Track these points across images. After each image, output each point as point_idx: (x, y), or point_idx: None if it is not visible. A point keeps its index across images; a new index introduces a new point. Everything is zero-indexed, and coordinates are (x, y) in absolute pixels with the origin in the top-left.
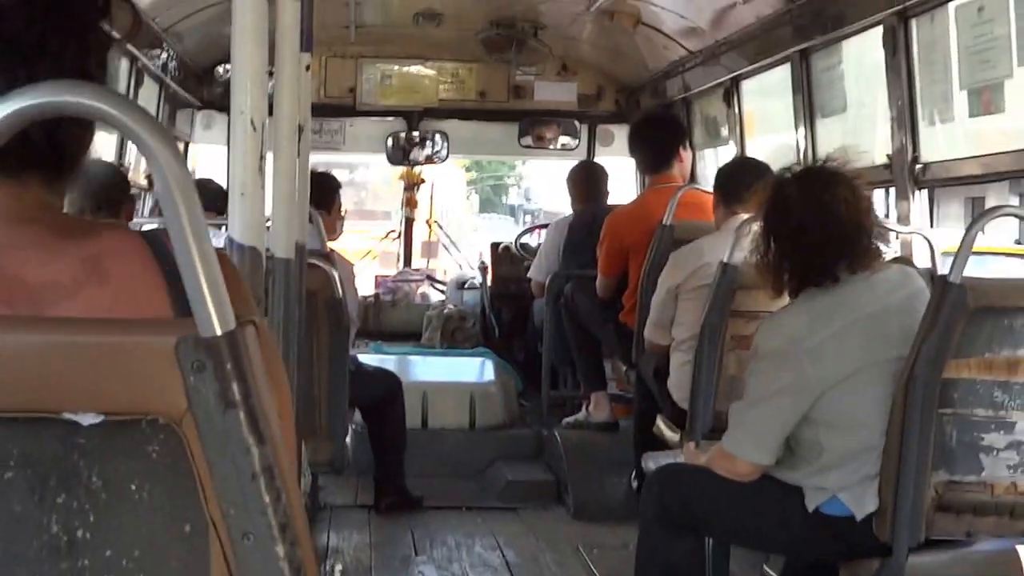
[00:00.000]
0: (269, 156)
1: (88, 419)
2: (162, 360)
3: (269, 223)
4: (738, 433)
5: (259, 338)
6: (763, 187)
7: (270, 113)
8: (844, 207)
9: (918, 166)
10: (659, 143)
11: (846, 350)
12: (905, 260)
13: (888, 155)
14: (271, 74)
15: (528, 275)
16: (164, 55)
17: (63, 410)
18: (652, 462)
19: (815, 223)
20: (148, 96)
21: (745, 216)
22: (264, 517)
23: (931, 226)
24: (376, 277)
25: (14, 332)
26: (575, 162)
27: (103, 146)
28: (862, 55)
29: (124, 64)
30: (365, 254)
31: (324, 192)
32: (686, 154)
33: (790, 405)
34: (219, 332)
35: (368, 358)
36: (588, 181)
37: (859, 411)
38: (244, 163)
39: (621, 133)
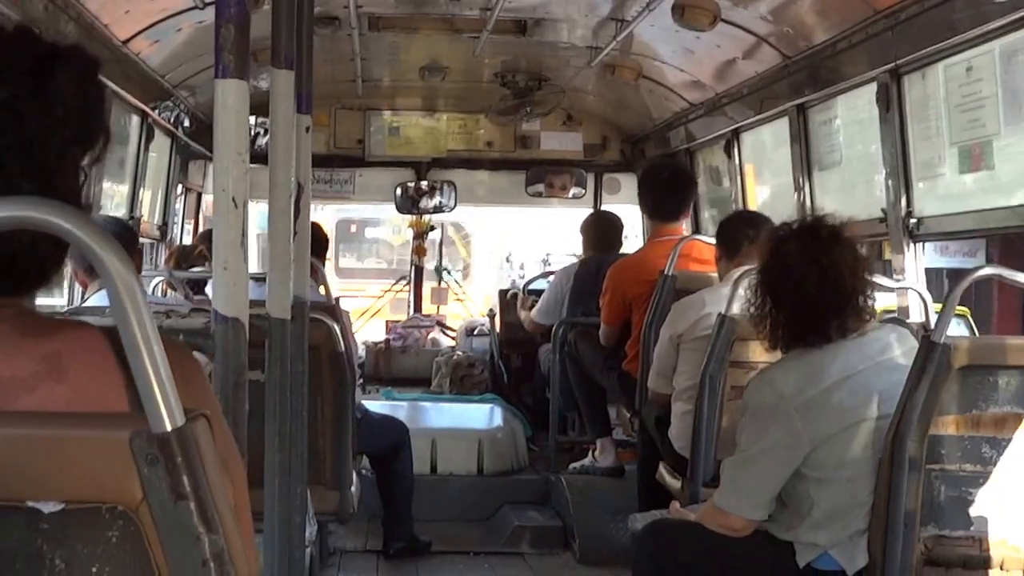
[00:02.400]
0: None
1: (50, 507)
2: (118, 453)
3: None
4: (730, 489)
5: (213, 428)
6: (763, 240)
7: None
8: (843, 269)
9: (912, 220)
10: (670, 195)
11: (836, 407)
12: (901, 314)
13: (883, 209)
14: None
15: (531, 315)
16: (175, 109)
17: (26, 498)
18: (639, 522)
19: (813, 282)
20: (160, 149)
21: (744, 268)
22: None
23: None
24: (387, 323)
25: None
26: (583, 211)
27: (113, 199)
28: (857, 110)
29: (135, 120)
30: (375, 312)
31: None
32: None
33: (781, 461)
34: (169, 428)
35: (377, 404)
36: (598, 230)
37: (849, 467)
38: (227, 239)
39: (627, 181)
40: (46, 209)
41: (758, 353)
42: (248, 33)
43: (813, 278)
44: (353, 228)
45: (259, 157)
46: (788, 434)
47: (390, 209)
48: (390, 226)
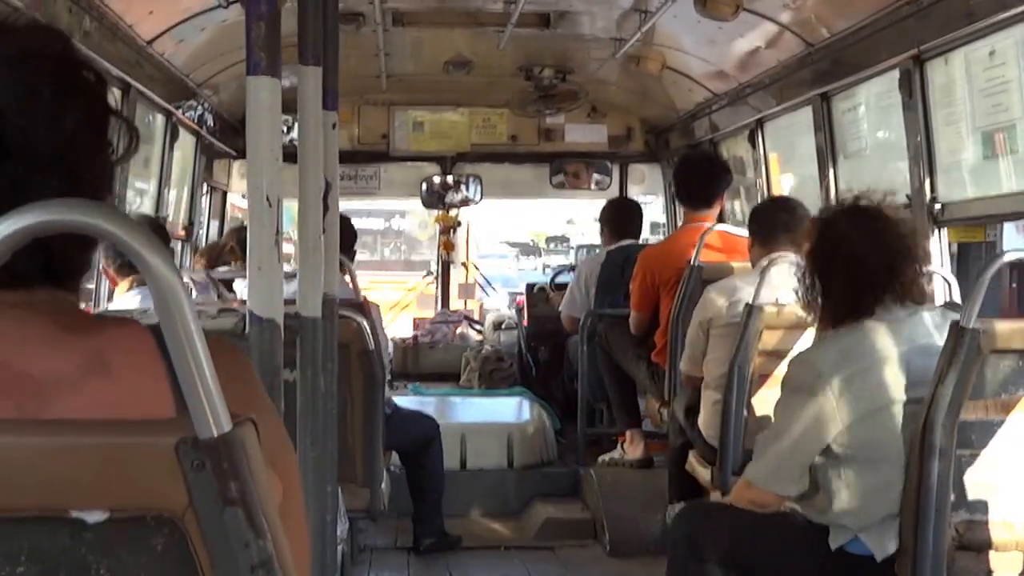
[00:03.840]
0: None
1: (94, 516)
2: (164, 460)
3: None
4: (761, 463)
5: (267, 427)
6: (807, 226)
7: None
8: (895, 237)
9: (937, 206)
10: (705, 183)
11: (871, 388)
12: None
13: (907, 195)
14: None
15: (559, 308)
16: (199, 108)
17: (70, 508)
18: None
19: (867, 252)
20: (185, 148)
21: (775, 255)
22: None
23: None
24: (415, 319)
25: (22, 435)
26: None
27: (141, 197)
28: (880, 97)
29: (160, 119)
30: (404, 306)
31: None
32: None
33: (812, 437)
34: (215, 434)
35: (406, 400)
36: (620, 218)
37: (880, 449)
38: (261, 239)
39: (652, 172)
40: (90, 212)
41: (788, 340)
42: (279, 30)
43: (865, 251)
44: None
45: (287, 155)
46: (821, 411)
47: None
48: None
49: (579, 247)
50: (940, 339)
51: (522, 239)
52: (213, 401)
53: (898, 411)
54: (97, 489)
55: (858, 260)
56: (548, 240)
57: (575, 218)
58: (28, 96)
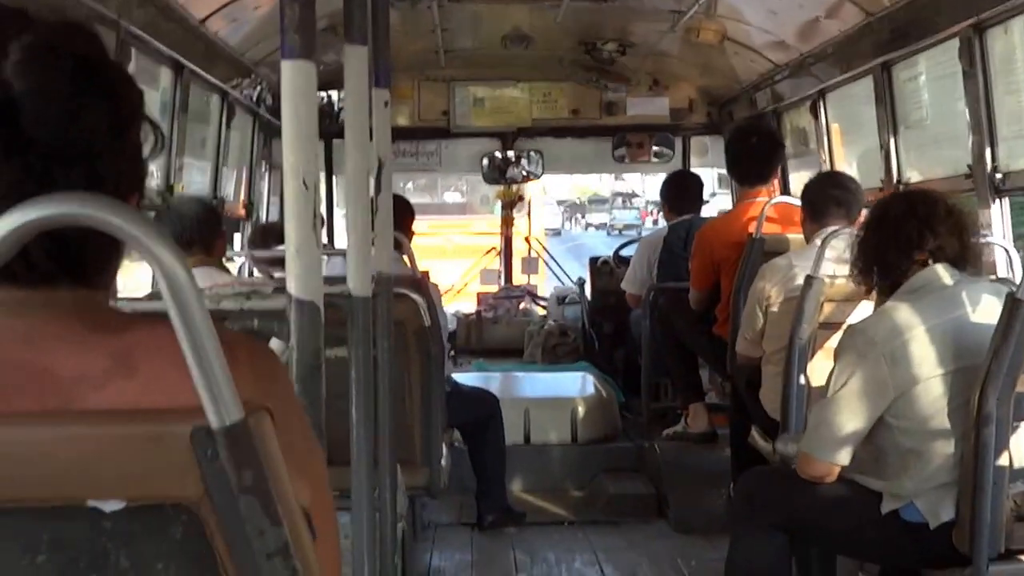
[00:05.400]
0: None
1: (111, 506)
2: (179, 449)
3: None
4: (815, 434)
5: (291, 426)
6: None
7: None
8: (947, 209)
9: (998, 175)
10: (758, 158)
11: (925, 356)
12: (988, 271)
13: (968, 164)
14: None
15: (621, 286)
16: (256, 87)
17: (88, 498)
18: (783, 444)
19: (919, 223)
20: (242, 127)
21: (830, 229)
22: None
23: None
24: (478, 295)
25: (38, 426)
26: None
27: (196, 179)
28: (941, 67)
29: (215, 99)
30: (466, 283)
31: (398, 219)
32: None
33: (866, 406)
34: (227, 423)
35: (469, 376)
36: (680, 191)
37: (936, 416)
38: (299, 221)
39: (715, 144)
40: (90, 204)
41: (847, 313)
42: (313, 11)
43: (917, 221)
44: None
45: (343, 132)
46: (875, 379)
47: None
48: None
49: (615, 195)
50: (996, 310)
51: (569, 196)
52: (224, 390)
53: (951, 379)
54: (114, 479)
55: (910, 230)
56: (590, 201)
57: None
58: (44, 89)
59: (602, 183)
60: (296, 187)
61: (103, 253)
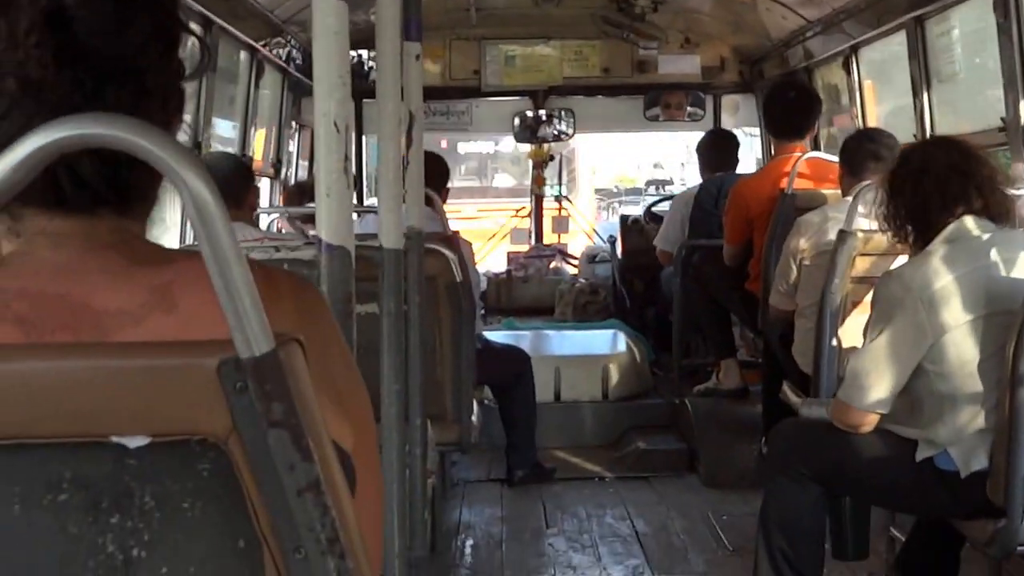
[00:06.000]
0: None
1: (135, 442)
2: (206, 381)
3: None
4: (853, 383)
5: (335, 365)
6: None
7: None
8: (977, 160)
9: None
10: (795, 113)
11: (961, 299)
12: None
13: (1002, 118)
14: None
15: (654, 243)
16: (286, 45)
17: (110, 433)
18: (807, 408)
19: (949, 171)
20: (272, 86)
21: (865, 183)
22: (312, 532)
23: None
24: (508, 254)
25: (60, 359)
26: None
27: (225, 140)
28: (974, 21)
29: (244, 56)
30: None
31: (432, 176)
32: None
33: (905, 353)
34: (256, 353)
35: (500, 334)
36: (715, 149)
37: (971, 363)
38: (329, 165)
39: (746, 103)
40: (117, 125)
41: (880, 267)
42: None
43: (947, 170)
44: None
45: (374, 92)
46: (913, 325)
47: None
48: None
49: (649, 183)
50: None
51: (607, 184)
52: (253, 319)
53: (985, 324)
54: (138, 413)
55: (940, 179)
56: (627, 192)
57: (663, 161)
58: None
59: (640, 172)
60: (327, 129)
61: (144, 177)
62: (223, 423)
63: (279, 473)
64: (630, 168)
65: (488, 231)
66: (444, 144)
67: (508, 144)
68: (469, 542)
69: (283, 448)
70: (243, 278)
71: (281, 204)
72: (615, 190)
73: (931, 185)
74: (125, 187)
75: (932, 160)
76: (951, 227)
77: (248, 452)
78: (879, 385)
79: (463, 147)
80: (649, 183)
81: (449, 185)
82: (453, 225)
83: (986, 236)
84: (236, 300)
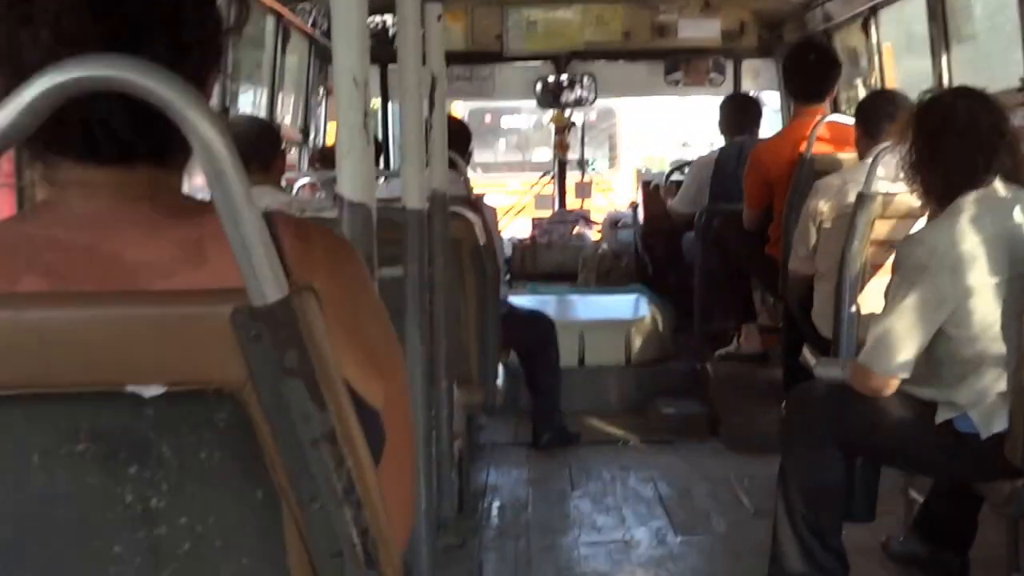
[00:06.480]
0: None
1: (151, 391)
2: (220, 330)
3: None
4: (873, 346)
5: (366, 319)
6: (916, 106)
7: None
8: (1000, 116)
9: None
10: (815, 75)
11: (987, 262)
12: None
13: (1021, 78)
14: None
15: (669, 205)
16: (312, 11)
17: (126, 383)
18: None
19: (972, 126)
20: (298, 52)
21: (884, 145)
22: (328, 482)
23: None
24: (532, 220)
25: (74, 307)
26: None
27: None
28: None
29: (270, 21)
30: (520, 209)
31: (455, 141)
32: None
33: (928, 317)
34: (270, 300)
35: (523, 300)
36: (737, 113)
37: (993, 326)
38: (349, 120)
39: (766, 67)
40: (125, 67)
41: (900, 230)
42: None
43: (970, 125)
44: (488, 118)
45: (396, 57)
46: (937, 290)
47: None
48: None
49: (673, 164)
50: None
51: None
52: (266, 267)
53: (1008, 287)
54: (153, 362)
55: (963, 134)
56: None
57: (690, 140)
58: None
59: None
60: (347, 85)
61: (172, 131)
62: (238, 372)
63: (294, 422)
64: (664, 147)
65: (529, 205)
66: (488, 119)
67: (547, 117)
68: (496, 503)
69: (297, 397)
70: (254, 224)
71: (310, 168)
72: (642, 170)
73: (955, 142)
74: (160, 138)
75: (955, 115)
76: (980, 189)
77: (263, 402)
78: (901, 350)
79: (506, 121)
80: (674, 165)
81: (493, 159)
82: (495, 200)
83: (1009, 199)
84: (248, 246)
